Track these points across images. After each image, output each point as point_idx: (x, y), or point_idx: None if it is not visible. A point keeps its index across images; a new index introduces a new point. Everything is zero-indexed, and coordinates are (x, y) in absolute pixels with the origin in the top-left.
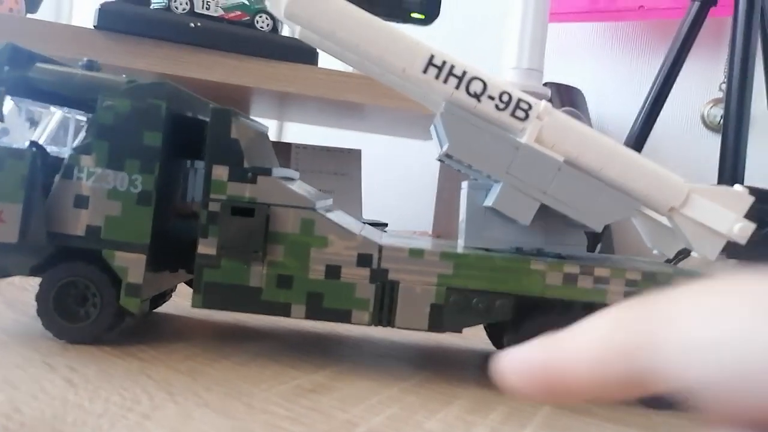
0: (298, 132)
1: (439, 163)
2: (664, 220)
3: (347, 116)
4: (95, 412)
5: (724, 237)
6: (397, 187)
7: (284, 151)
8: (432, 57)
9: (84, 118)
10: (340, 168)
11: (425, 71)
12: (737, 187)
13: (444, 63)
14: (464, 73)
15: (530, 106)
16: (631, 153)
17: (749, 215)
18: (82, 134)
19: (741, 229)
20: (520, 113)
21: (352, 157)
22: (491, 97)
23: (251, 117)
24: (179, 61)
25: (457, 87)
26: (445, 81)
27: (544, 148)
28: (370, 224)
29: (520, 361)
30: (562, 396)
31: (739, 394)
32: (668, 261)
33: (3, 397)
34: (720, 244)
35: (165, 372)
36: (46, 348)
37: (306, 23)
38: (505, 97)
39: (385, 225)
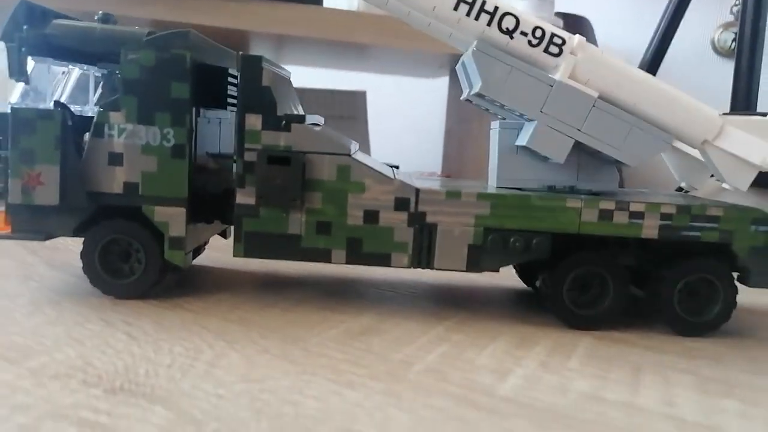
0: (296, 74)
1: (446, 102)
2: (694, 152)
3: (351, 57)
4: (164, 363)
5: (756, 168)
6: (404, 128)
7: None
8: None
9: (100, 74)
10: (346, 111)
11: (456, 8)
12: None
13: None
14: (496, 8)
15: (564, 42)
16: (665, 86)
17: None
18: (99, 89)
19: None
20: (553, 49)
21: (358, 99)
22: (524, 33)
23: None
24: (178, 7)
25: (489, 24)
26: (477, 18)
27: (579, 84)
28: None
29: None
30: None
31: None
32: (679, 189)
33: (73, 353)
34: (752, 174)
35: (217, 322)
36: (98, 304)
37: None
38: (538, 33)
39: (396, 167)
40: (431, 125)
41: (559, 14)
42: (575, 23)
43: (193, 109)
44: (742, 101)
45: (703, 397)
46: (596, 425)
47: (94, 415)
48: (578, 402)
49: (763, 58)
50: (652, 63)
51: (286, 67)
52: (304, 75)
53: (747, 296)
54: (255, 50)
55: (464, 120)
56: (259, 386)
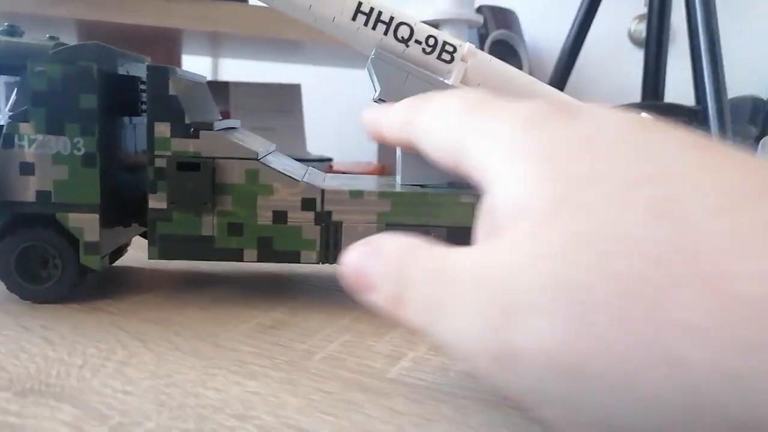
0: (234, 68)
1: None
2: None
3: (285, 51)
4: (76, 364)
5: None
6: (340, 119)
7: (221, 90)
8: (360, 4)
9: (13, 80)
10: (281, 104)
11: (354, 18)
12: (643, 114)
13: (372, 9)
14: (392, 18)
15: (455, 49)
16: (549, 89)
17: None
18: (13, 96)
19: None
20: (445, 56)
21: (292, 92)
22: (418, 42)
23: (187, 57)
24: (102, 5)
25: (386, 33)
26: (374, 27)
27: (470, 88)
28: (315, 160)
29: (373, 117)
30: (383, 140)
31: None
32: None
33: None
34: None
35: (135, 323)
36: (17, 310)
37: None
38: (431, 41)
39: (330, 160)
40: None
41: (485, 8)
42: (502, 16)
43: (103, 119)
44: (651, 91)
45: None
46: (467, 400)
47: (3, 416)
48: (457, 380)
49: (671, 48)
50: (570, 53)
51: (223, 61)
52: (241, 68)
53: None
54: (188, 47)
55: None
56: (165, 381)
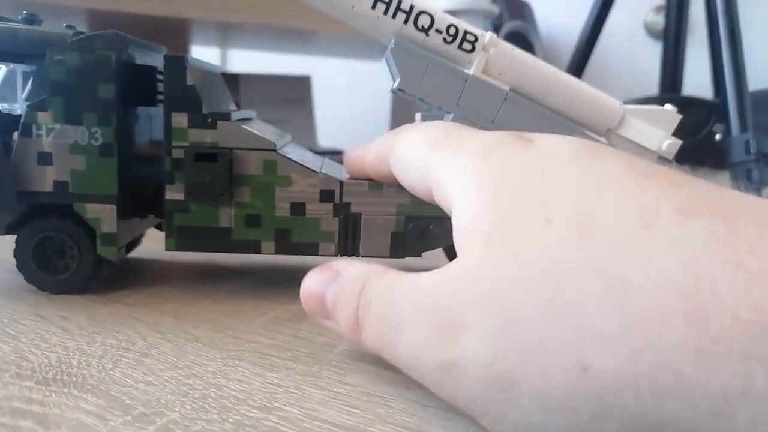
0: (243, 59)
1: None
2: (601, 139)
3: (297, 42)
4: (96, 355)
5: (654, 154)
6: (351, 111)
7: (231, 82)
8: None
9: (29, 69)
10: (291, 96)
11: (374, 7)
12: (667, 106)
13: None
14: (412, 7)
15: (476, 38)
16: (572, 79)
17: (688, 122)
18: (29, 86)
19: (669, 146)
20: (467, 45)
21: (302, 84)
22: (439, 31)
23: (196, 48)
24: None
25: (406, 22)
26: (394, 16)
27: (491, 78)
28: (326, 152)
29: (353, 155)
30: (365, 174)
31: (398, 172)
32: None
33: (8, 348)
34: (652, 160)
35: (152, 314)
36: (34, 300)
37: None
38: (452, 30)
39: (341, 152)
40: (378, 107)
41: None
42: (516, 7)
43: (121, 109)
44: (669, 83)
45: None
46: None
47: (27, 405)
48: None
49: (689, 40)
50: (586, 45)
51: (232, 52)
52: (251, 60)
53: None
54: (197, 38)
55: (408, 103)
56: (186, 372)
